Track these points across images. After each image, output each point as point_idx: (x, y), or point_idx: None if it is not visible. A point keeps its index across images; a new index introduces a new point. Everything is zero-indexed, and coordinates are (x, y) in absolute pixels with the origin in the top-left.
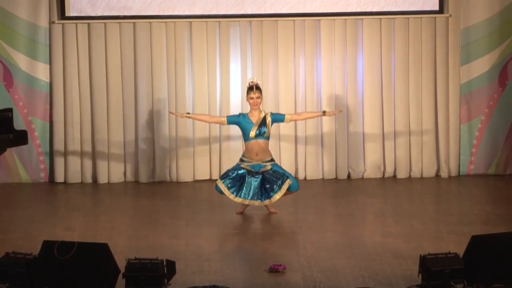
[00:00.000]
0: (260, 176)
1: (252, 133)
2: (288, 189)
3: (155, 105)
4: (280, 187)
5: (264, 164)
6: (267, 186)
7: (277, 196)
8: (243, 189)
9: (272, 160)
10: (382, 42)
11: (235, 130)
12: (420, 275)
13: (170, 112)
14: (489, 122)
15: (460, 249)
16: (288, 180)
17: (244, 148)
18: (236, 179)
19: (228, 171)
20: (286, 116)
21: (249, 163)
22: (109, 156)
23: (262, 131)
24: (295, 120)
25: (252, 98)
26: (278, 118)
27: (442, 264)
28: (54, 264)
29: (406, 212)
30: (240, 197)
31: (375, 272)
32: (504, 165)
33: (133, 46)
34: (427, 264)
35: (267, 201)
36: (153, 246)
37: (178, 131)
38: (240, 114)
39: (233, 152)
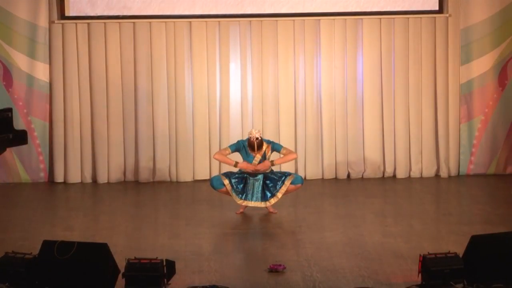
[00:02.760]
0: (262, 176)
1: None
2: (293, 183)
3: (154, 104)
4: (283, 182)
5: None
6: (270, 184)
7: (281, 191)
8: (246, 191)
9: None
10: (382, 42)
11: (235, 130)
12: (420, 274)
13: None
14: (489, 122)
15: (459, 249)
16: (291, 175)
17: None
18: (239, 181)
19: (229, 171)
20: (282, 150)
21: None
22: (108, 156)
23: (262, 161)
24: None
25: (254, 155)
26: (276, 148)
27: (442, 264)
28: (54, 264)
29: (405, 212)
30: (244, 199)
31: (375, 272)
32: (504, 165)
33: (133, 46)
34: (427, 264)
35: (272, 200)
36: (152, 246)
37: (178, 131)
38: (239, 142)
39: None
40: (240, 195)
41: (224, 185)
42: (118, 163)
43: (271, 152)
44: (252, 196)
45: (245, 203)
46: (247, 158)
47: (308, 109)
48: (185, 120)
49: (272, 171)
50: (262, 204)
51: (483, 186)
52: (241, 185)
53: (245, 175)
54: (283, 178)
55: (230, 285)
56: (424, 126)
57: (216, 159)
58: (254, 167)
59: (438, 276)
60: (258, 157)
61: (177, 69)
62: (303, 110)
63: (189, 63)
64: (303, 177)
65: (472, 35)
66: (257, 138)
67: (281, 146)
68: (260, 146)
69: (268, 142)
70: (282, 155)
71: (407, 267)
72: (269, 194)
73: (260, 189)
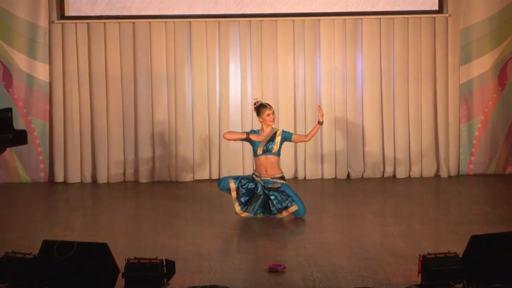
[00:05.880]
0: (267, 193)
1: (260, 149)
2: (294, 213)
3: (154, 104)
4: (285, 209)
5: (274, 180)
6: (272, 208)
7: (279, 215)
8: (249, 204)
9: (282, 177)
10: (382, 42)
11: (235, 129)
12: (420, 274)
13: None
14: (488, 122)
15: (459, 248)
16: (294, 205)
17: (254, 164)
18: (246, 194)
19: (242, 177)
20: (292, 136)
21: (260, 178)
22: (108, 156)
23: (270, 147)
24: (302, 141)
25: (269, 115)
26: (286, 136)
27: (442, 264)
28: (54, 264)
29: (405, 211)
30: (244, 211)
31: (375, 272)
32: (504, 164)
33: (133, 46)
34: (426, 263)
35: (269, 215)
36: (152, 246)
37: (178, 131)
38: (251, 130)
39: (232, 152)
40: (242, 206)
41: (229, 190)
42: (118, 163)
43: (282, 141)
44: (252, 210)
45: (244, 214)
46: (255, 142)
47: (308, 109)
48: (185, 120)
49: (281, 189)
50: (258, 216)
51: (482, 186)
52: (247, 199)
53: (253, 188)
54: (287, 203)
55: (230, 285)
56: (424, 126)
57: (227, 138)
58: (264, 137)
59: (437, 276)
60: (266, 136)
61: (177, 69)
62: (302, 110)
63: (188, 63)
64: (303, 177)
65: (472, 35)
66: (258, 101)
67: (291, 134)
68: (264, 104)
69: (278, 128)
70: (297, 141)
71: (407, 267)
72: (267, 212)
73: (261, 203)
